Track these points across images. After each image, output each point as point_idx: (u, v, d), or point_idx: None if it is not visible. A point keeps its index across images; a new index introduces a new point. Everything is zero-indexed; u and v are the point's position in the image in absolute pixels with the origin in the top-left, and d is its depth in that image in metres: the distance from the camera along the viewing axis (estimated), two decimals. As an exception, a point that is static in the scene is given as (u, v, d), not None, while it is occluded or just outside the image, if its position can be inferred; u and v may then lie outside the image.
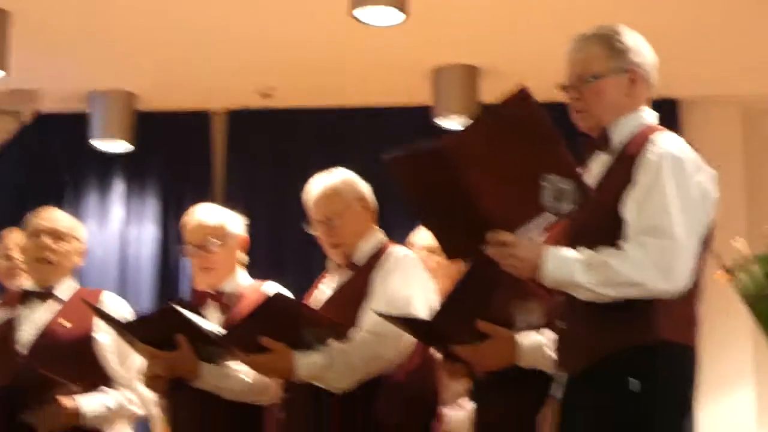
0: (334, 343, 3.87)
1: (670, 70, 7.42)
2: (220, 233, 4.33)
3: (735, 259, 3.74)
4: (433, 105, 7.68)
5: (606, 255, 3.10)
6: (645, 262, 3.05)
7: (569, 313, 3.27)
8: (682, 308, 3.17)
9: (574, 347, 3.25)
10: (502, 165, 3.11)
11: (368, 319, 3.88)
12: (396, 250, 4.10)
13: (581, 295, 3.13)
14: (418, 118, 7.82)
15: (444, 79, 7.62)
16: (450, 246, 3.29)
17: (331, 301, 4.09)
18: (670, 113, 7.81)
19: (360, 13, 6.02)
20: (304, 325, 3.84)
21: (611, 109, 3.32)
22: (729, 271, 3.76)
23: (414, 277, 4.01)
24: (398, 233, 4.80)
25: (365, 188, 4.21)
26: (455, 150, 3.09)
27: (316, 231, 4.18)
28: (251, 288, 4.36)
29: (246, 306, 4.19)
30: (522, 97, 3.12)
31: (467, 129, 3.17)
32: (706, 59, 7.38)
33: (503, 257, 3.14)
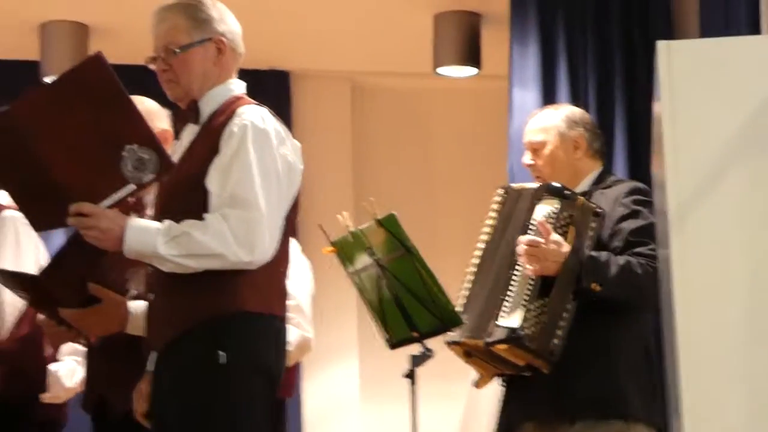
0: None
1: (282, 42, 7.52)
2: None
3: (341, 234, 3.82)
4: (41, 61, 7.44)
5: (188, 226, 3.10)
6: (226, 234, 3.08)
7: (156, 284, 3.26)
8: (266, 279, 3.21)
9: (160, 319, 3.25)
10: (77, 133, 3.07)
11: None
12: (6, 212, 3.94)
13: (164, 267, 3.13)
14: (26, 74, 7.55)
15: (51, 35, 7.39)
16: (34, 216, 3.21)
17: None
18: (281, 85, 7.90)
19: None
20: None
21: (200, 79, 3.32)
22: (334, 245, 3.83)
23: (25, 240, 3.90)
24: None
25: None
26: (22, 116, 3.02)
27: None
28: None
29: None
30: (96, 63, 3.06)
31: (35, 94, 3.10)
32: (317, 33, 7.51)
33: (85, 228, 3.10)
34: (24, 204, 3.22)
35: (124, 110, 3.08)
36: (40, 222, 3.25)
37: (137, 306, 3.50)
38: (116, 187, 3.11)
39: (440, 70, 7.36)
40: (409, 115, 8.42)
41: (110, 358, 3.62)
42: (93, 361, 3.73)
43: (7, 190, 3.32)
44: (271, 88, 7.71)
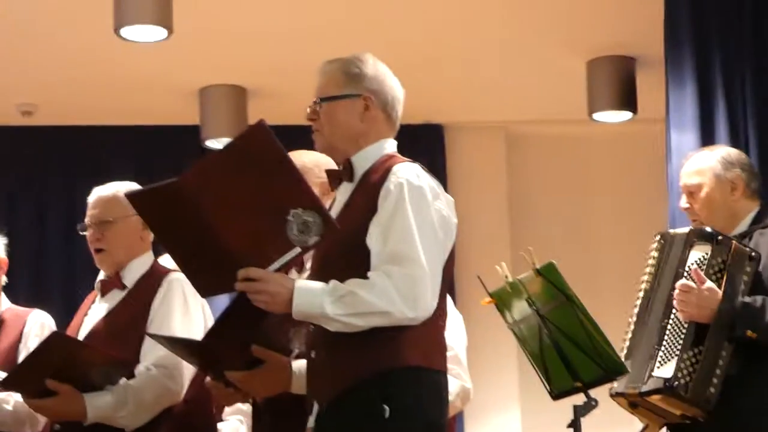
0: (122, 381, 3.79)
1: (435, 96, 7.57)
2: None
3: (499, 285, 3.80)
4: (201, 125, 7.61)
5: (353, 285, 3.12)
6: (391, 291, 3.09)
7: (319, 341, 3.28)
8: (427, 333, 3.21)
9: (323, 376, 3.27)
10: (244, 199, 3.11)
11: (153, 351, 3.80)
12: (173, 275, 4.01)
13: (332, 327, 3.15)
14: (188, 138, 7.74)
15: (211, 99, 7.56)
16: (201, 282, 3.26)
17: (103, 327, 3.96)
18: (435, 138, 7.95)
19: (126, 31, 5.92)
20: (89, 364, 3.72)
21: (342, 131, 3.36)
22: (493, 296, 3.81)
23: (192, 302, 3.95)
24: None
25: None
26: (191, 185, 3.07)
27: (87, 233, 4.06)
28: (14, 315, 4.22)
29: (8, 334, 4.07)
30: (259, 130, 3.11)
31: (203, 164, 3.15)
32: (469, 85, 7.53)
33: (254, 293, 3.14)
34: (191, 270, 3.28)
35: (289, 175, 3.12)
36: (208, 288, 3.30)
37: (301, 365, 3.53)
38: (282, 251, 3.14)
39: (596, 115, 7.32)
40: (565, 162, 8.37)
41: (276, 417, 3.65)
42: (259, 420, 3.77)
43: (174, 258, 3.38)
44: (426, 142, 7.76)
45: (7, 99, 7.61)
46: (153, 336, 3.72)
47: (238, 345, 3.46)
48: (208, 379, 3.69)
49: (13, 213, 7.91)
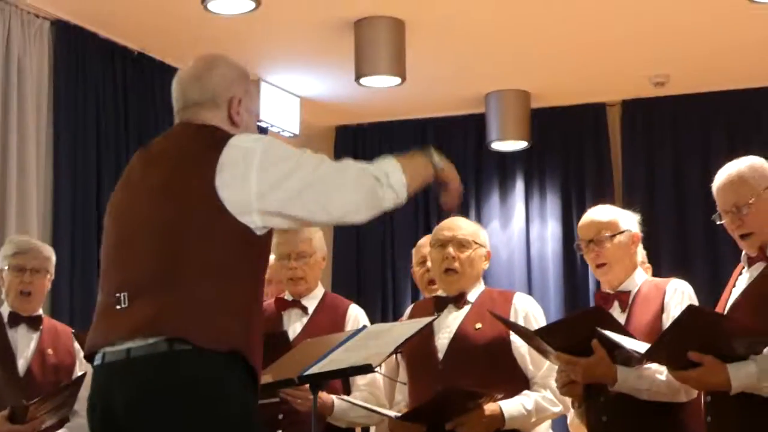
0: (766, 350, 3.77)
1: None
2: (613, 228, 4.36)
3: None
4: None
5: None
6: None
7: None
8: None
9: None
10: None
11: None
12: None
13: None
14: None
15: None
16: None
17: (742, 299, 3.93)
18: None
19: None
20: (730, 335, 3.75)
21: None
22: None
23: None
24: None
25: None
26: None
27: (724, 221, 4.04)
28: (653, 286, 4.33)
29: (650, 305, 4.22)
30: None
31: None
32: None
33: None
34: None
35: None
36: None
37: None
38: None
39: None
40: None
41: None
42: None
43: None
44: None
45: (640, 71, 7.81)
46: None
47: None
48: None
49: (652, 183, 8.10)
